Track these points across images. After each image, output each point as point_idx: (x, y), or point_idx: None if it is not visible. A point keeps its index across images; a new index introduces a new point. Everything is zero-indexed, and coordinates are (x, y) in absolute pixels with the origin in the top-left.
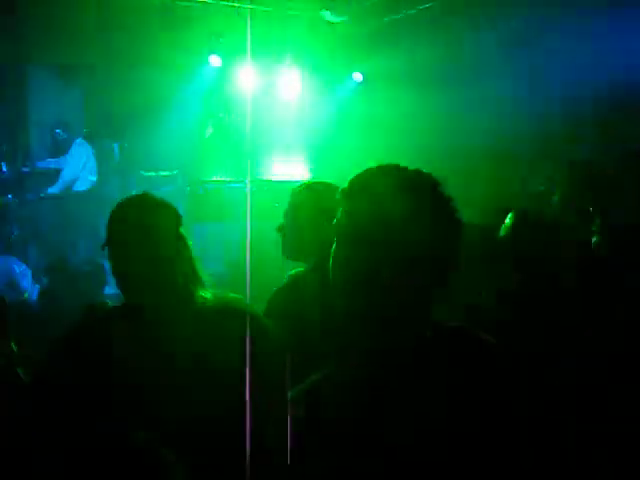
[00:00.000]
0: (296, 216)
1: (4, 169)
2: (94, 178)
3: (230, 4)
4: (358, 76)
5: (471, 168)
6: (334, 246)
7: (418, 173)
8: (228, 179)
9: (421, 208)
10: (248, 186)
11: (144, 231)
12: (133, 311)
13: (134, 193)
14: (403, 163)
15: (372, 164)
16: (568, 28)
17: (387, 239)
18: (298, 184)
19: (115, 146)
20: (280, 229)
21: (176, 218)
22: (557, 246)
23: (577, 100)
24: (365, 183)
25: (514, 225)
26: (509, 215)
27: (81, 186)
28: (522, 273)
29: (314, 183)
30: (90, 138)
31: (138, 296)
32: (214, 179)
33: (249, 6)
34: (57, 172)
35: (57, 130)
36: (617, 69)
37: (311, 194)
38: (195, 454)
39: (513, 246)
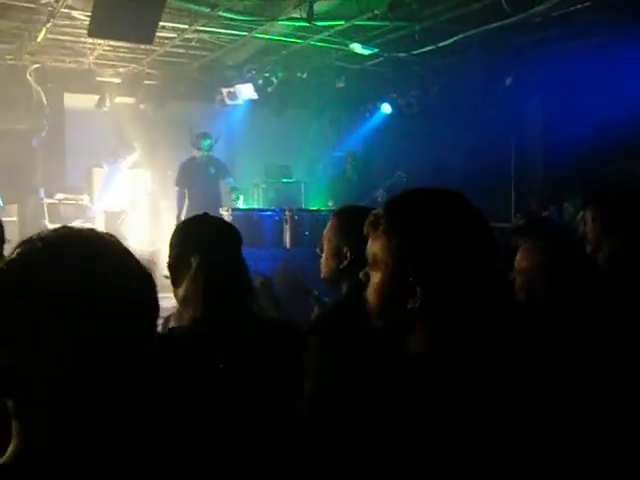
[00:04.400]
0: (327, 241)
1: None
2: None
3: None
4: (387, 107)
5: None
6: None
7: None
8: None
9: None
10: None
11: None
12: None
13: None
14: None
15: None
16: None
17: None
18: (342, 208)
19: None
20: (320, 252)
21: None
22: None
23: None
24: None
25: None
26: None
27: None
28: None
29: (355, 208)
30: None
31: None
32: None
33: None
34: None
35: None
36: None
37: (341, 219)
38: None
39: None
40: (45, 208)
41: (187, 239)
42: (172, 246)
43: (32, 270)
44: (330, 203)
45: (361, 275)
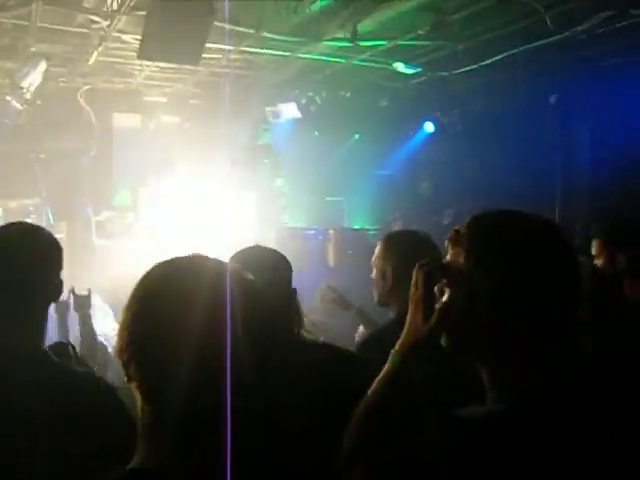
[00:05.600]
0: (375, 265)
1: None
2: None
3: None
4: (430, 126)
5: None
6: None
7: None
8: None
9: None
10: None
11: None
12: None
13: None
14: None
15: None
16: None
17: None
18: (389, 232)
19: None
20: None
21: None
22: None
23: None
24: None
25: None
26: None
27: None
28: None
29: (401, 231)
30: None
31: None
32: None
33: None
34: None
35: None
36: None
37: (397, 242)
38: None
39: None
40: (93, 225)
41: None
42: None
43: (132, 312)
44: (396, 215)
45: (436, 289)
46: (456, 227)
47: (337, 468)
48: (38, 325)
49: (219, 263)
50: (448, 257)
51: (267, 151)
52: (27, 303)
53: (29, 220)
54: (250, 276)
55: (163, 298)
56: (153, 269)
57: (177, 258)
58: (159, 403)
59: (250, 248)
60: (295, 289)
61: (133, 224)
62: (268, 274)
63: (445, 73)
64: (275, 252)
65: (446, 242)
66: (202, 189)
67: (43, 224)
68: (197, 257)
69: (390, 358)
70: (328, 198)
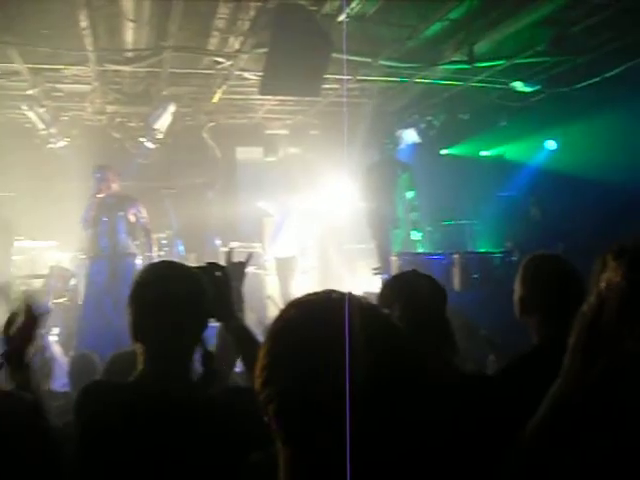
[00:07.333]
0: (520, 288)
1: None
2: None
3: None
4: (551, 143)
5: None
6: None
7: None
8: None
9: None
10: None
11: None
12: None
13: None
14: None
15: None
16: None
17: None
18: (530, 256)
19: None
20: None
21: None
22: None
23: None
24: None
25: None
26: None
27: None
28: None
29: (541, 256)
30: None
31: None
32: None
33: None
34: None
35: None
36: None
37: (533, 269)
38: None
39: None
40: (221, 256)
41: (391, 290)
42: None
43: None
44: (508, 244)
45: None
46: (620, 242)
47: None
48: (190, 360)
49: (349, 299)
50: (607, 272)
51: (397, 164)
52: (185, 343)
53: (162, 253)
54: (381, 310)
55: (294, 339)
56: (285, 310)
57: (307, 297)
58: (298, 446)
59: (405, 274)
60: (448, 319)
61: (260, 254)
62: (421, 302)
63: (566, 89)
64: (432, 280)
65: (609, 255)
66: (328, 216)
67: (174, 257)
68: (327, 294)
69: (545, 402)
70: (451, 222)
